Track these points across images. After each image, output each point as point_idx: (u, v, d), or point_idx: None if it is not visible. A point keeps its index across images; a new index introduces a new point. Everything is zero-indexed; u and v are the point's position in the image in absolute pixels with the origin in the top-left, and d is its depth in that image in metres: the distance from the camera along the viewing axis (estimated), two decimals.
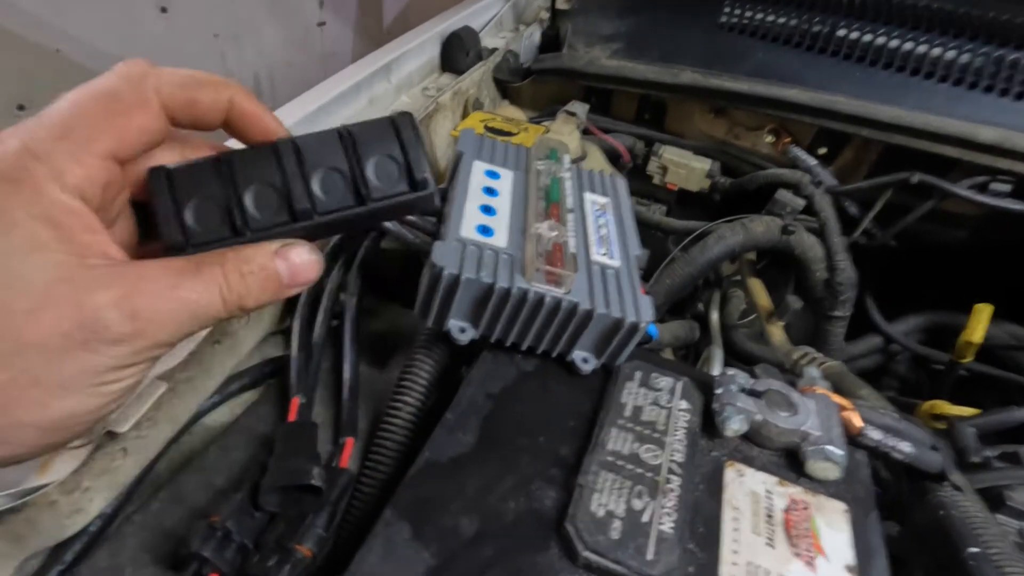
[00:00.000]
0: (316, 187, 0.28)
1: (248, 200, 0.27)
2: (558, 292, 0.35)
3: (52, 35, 1.09)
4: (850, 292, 0.67)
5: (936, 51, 0.64)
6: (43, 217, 0.22)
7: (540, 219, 0.39)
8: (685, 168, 0.76)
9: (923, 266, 0.78)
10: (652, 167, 0.78)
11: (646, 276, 0.71)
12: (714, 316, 0.79)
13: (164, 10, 1.27)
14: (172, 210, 0.26)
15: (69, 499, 0.31)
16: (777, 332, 0.70)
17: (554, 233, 0.38)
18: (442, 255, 0.34)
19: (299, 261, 0.27)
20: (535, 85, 0.81)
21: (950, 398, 0.76)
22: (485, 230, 0.38)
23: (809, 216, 0.70)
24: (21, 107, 1.08)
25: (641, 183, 0.81)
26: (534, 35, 0.92)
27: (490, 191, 0.42)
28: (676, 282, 0.67)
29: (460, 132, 0.46)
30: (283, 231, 0.27)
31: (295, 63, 1.74)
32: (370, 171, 0.29)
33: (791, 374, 0.64)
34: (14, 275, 0.21)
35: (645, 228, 0.79)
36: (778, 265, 0.83)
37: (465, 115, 0.75)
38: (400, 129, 0.30)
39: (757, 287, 0.75)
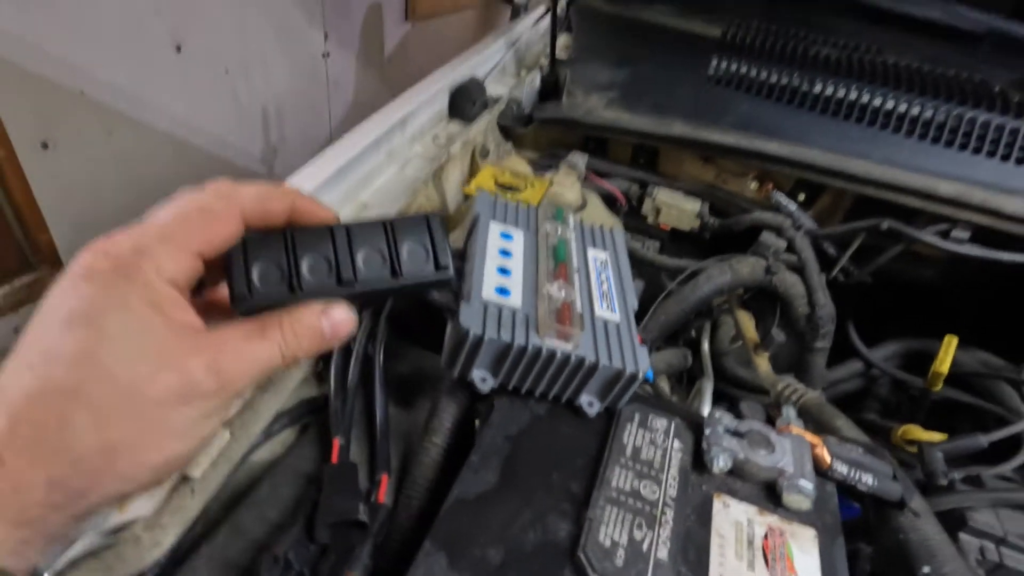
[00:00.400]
0: (360, 262, 0.34)
1: (304, 267, 0.33)
2: (567, 347, 0.41)
3: (76, 77, 1.15)
4: (829, 326, 0.73)
5: (902, 107, 0.71)
6: (150, 302, 0.28)
7: (550, 279, 0.45)
8: (677, 209, 0.82)
9: (897, 298, 0.85)
10: (646, 207, 0.84)
11: (641, 305, 0.76)
12: (705, 346, 0.85)
13: (179, 49, 1.33)
14: (243, 270, 0.32)
15: (150, 535, 0.36)
16: (763, 363, 0.75)
17: (562, 293, 0.44)
18: (468, 317, 0.40)
19: (339, 319, 0.33)
20: (537, 131, 0.87)
21: (926, 421, 0.82)
22: (503, 291, 0.43)
23: (791, 254, 0.76)
24: (45, 145, 1.13)
25: (636, 221, 0.87)
26: (535, 81, 0.98)
27: (505, 252, 0.47)
28: (670, 318, 0.73)
29: (476, 194, 0.52)
30: (329, 294, 0.33)
31: (301, 93, 1.81)
32: (405, 255, 0.35)
33: (775, 403, 0.70)
34: (134, 349, 0.27)
35: (640, 264, 0.85)
36: (764, 295, 0.90)
37: (472, 161, 0.81)
38: (431, 224, 0.36)
39: (745, 319, 0.81)
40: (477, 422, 0.48)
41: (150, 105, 1.31)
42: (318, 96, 1.90)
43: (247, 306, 0.32)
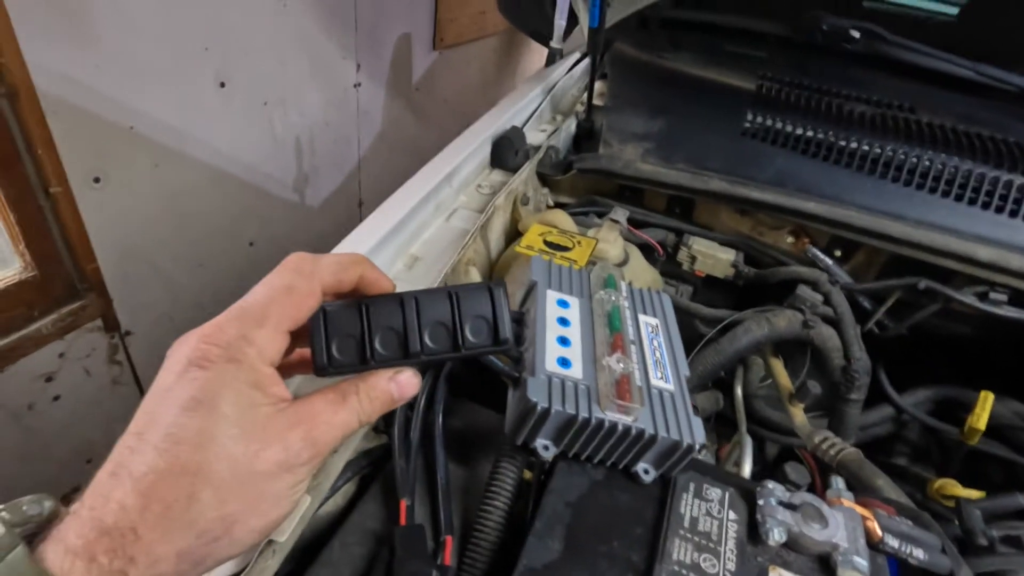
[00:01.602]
0: (427, 336, 0.37)
1: (377, 341, 0.36)
2: (627, 420, 0.43)
3: (126, 113, 1.20)
4: (864, 379, 0.74)
5: (938, 167, 0.73)
6: (255, 383, 0.31)
7: (608, 350, 0.47)
8: (712, 258, 0.84)
9: (931, 350, 0.86)
10: (682, 255, 0.86)
11: None
12: (739, 392, 0.86)
13: (223, 85, 1.39)
14: (323, 343, 0.35)
15: None
16: (798, 414, 0.77)
17: (621, 366, 0.46)
18: (535, 390, 0.42)
19: (405, 383, 0.37)
20: (574, 178, 0.90)
21: (960, 471, 0.83)
22: (564, 362, 0.46)
23: (826, 306, 0.78)
24: (97, 179, 1.18)
25: (671, 267, 0.89)
26: (571, 127, 1.02)
27: (563, 321, 0.50)
28: (707, 369, 0.75)
29: (532, 260, 0.55)
30: (397, 363, 0.37)
31: (333, 123, 1.86)
32: (467, 329, 0.38)
33: (812, 453, 0.71)
34: (246, 428, 0.30)
35: (677, 313, 0.86)
36: (796, 341, 0.91)
37: (514, 209, 0.83)
38: (494, 297, 0.39)
39: (779, 368, 0.82)
40: (527, 473, 0.50)
41: (193, 139, 1.37)
42: (348, 125, 1.96)
43: (325, 374, 0.35)
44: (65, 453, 1.31)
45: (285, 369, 0.39)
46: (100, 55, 1.11)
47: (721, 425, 0.97)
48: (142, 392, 1.41)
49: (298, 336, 0.37)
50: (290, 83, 1.62)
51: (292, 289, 0.34)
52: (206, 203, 1.47)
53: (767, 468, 0.83)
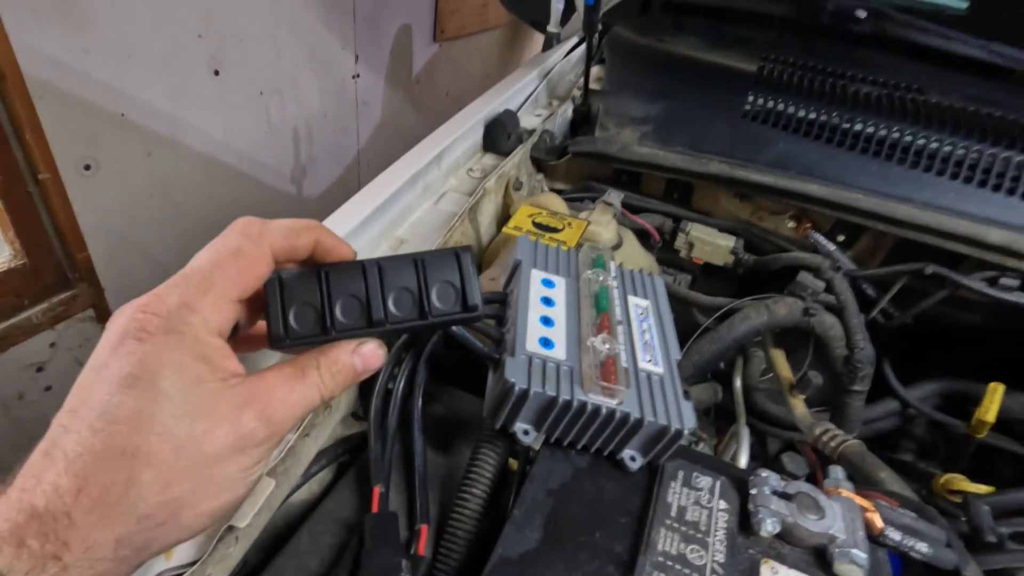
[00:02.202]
0: (391, 303, 0.35)
1: (338, 309, 0.34)
2: (612, 403, 0.41)
3: (117, 100, 1.18)
4: (868, 369, 0.71)
5: (947, 149, 0.70)
6: (200, 356, 0.29)
7: (593, 331, 0.45)
8: (711, 245, 0.81)
9: (938, 340, 0.82)
10: (679, 242, 0.83)
11: None
12: (737, 383, 0.83)
13: (217, 73, 1.37)
14: (280, 312, 0.33)
15: None
16: (799, 405, 0.74)
17: (606, 346, 0.43)
18: (513, 371, 0.40)
19: (369, 354, 0.35)
20: (569, 163, 0.87)
21: (967, 466, 0.80)
22: (546, 342, 0.43)
23: (828, 294, 0.75)
24: (87, 166, 1.17)
25: (669, 254, 0.86)
26: (567, 112, 0.99)
27: (547, 300, 0.47)
28: (704, 358, 0.72)
29: (517, 239, 0.52)
30: (360, 333, 0.34)
31: (331, 113, 1.84)
32: (434, 295, 0.36)
33: (812, 445, 0.68)
34: (191, 406, 0.28)
35: (673, 301, 0.84)
36: (796, 329, 0.88)
37: (506, 193, 0.81)
38: (461, 262, 0.37)
39: (780, 359, 0.79)
40: (512, 462, 0.48)
41: (187, 127, 1.35)
42: (347, 116, 1.94)
43: (283, 346, 0.33)
44: None
45: (246, 343, 0.37)
46: (91, 39, 1.10)
47: (720, 418, 0.94)
48: None
49: (255, 308, 0.34)
50: (287, 72, 1.60)
51: (239, 253, 0.31)
52: (200, 193, 1.45)
53: (768, 464, 0.80)
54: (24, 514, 0.24)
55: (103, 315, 1.30)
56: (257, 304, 0.33)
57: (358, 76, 1.92)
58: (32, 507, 0.24)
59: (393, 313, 0.34)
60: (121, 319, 0.28)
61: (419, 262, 0.36)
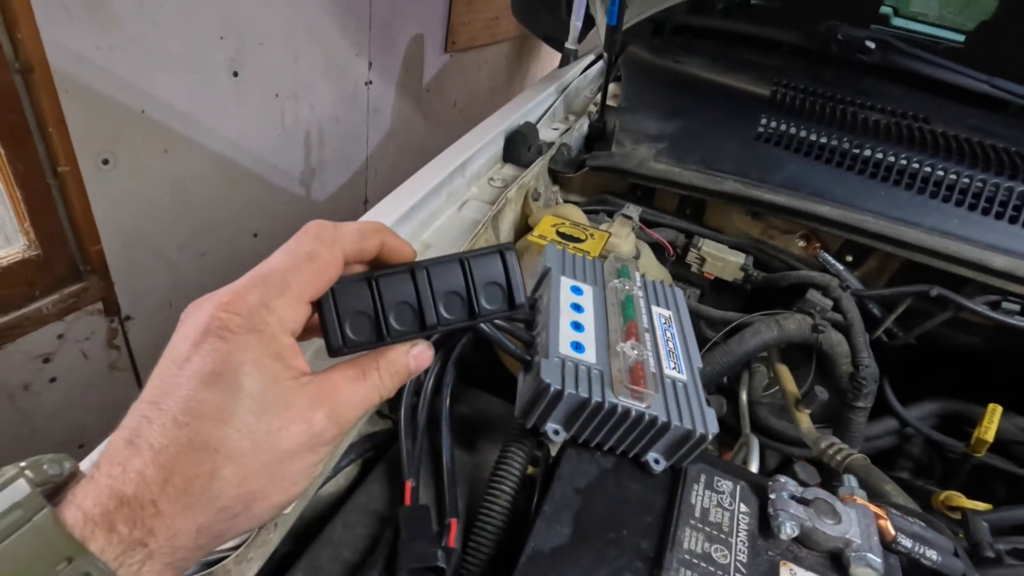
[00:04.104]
0: (441, 307, 0.36)
1: (392, 316, 0.35)
2: (640, 406, 0.42)
3: (138, 97, 1.20)
4: (872, 386, 0.74)
5: (952, 177, 0.73)
6: (276, 355, 0.30)
7: (621, 337, 0.47)
8: (722, 261, 0.84)
9: (939, 361, 0.85)
10: (691, 257, 0.86)
11: None
12: (743, 397, 0.86)
13: (236, 74, 1.39)
14: (336, 323, 0.34)
15: (239, 568, 0.38)
16: (804, 420, 0.76)
17: (635, 352, 0.45)
18: (548, 372, 0.42)
19: (421, 355, 0.37)
20: (585, 176, 0.90)
21: (963, 485, 0.82)
22: (578, 346, 0.45)
23: (836, 312, 0.77)
24: (105, 161, 1.18)
25: (680, 268, 0.89)
26: (583, 127, 1.02)
27: (577, 307, 0.49)
28: (714, 370, 0.74)
29: (546, 247, 0.54)
30: (413, 336, 0.36)
31: (342, 118, 1.87)
32: (482, 296, 0.37)
33: (818, 460, 0.70)
34: (268, 403, 0.29)
35: None
36: (799, 345, 0.91)
37: (525, 203, 0.83)
38: (506, 260, 0.38)
39: (785, 374, 0.81)
40: (532, 469, 0.50)
41: (204, 126, 1.36)
42: (358, 122, 1.96)
43: (341, 354, 0.34)
44: (58, 436, 1.30)
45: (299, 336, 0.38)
46: (116, 37, 1.12)
47: (723, 432, 0.96)
48: (139, 378, 1.39)
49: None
50: (303, 76, 1.62)
51: (313, 257, 0.32)
52: (213, 191, 1.46)
53: (791, 469, 0.82)
54: (114, 500, 0.25)
55: (111, 308, 1.30)
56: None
57: (370, 83, 1.94)
58: (121, 494, 0.25)
59: (444, 316, 0.36)
60: (202, 315, 0.29)
61: (466, 262, 0.37)
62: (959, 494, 0.73)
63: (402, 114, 2.18)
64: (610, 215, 0.86)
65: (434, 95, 2.36)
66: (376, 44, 1.90)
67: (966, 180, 0.72)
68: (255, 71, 1.44)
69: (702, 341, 0.79)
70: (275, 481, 0.29)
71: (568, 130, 0.98)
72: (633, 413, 0.42)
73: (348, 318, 0.34)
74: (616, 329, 0.48)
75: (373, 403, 0.34)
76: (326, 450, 0.31)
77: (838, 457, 0.67)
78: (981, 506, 0.69)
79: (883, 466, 0.92)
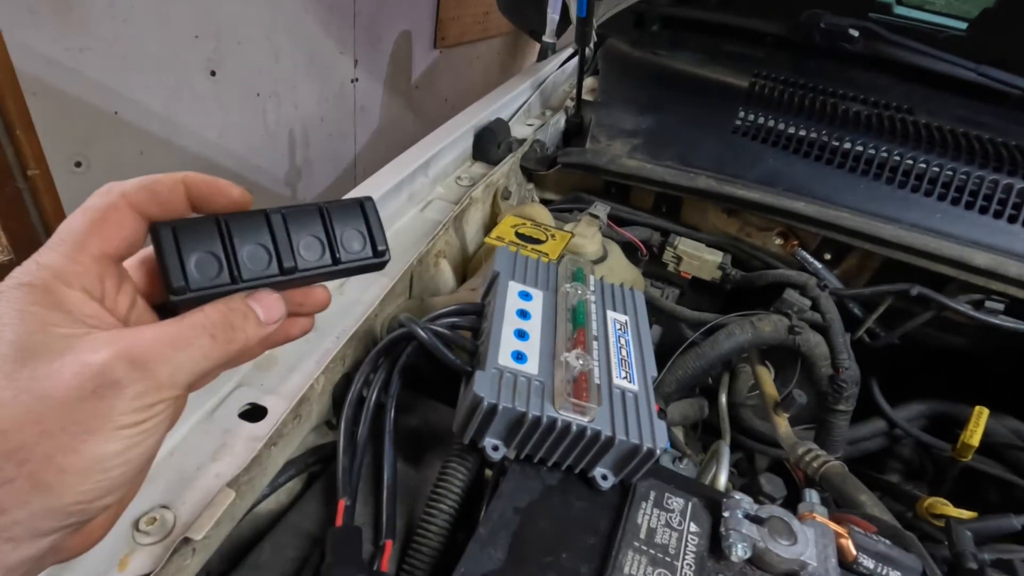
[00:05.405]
0: (301, 250, 0.33)
1: (244, 256, 0.32)
2: (583, 420, 0.40)
3: (111, 99, 1.18)
4: (853, 389, 0.71)
5: (935, 170, 0.69)
6: (52, 305, 0.27)
7: (568, 346, 0.44)
8: (698, 260, 0.81)
9: (924, 361, 0.82)
10: (667, 256, 0.83)
11: (658, 356, 0.75)
12: (723, 399, 0.83)
13: (213, 73, 1.37)
14: (177, 260, 0.30)
15: None
16: (783, 423, 0.73)
17: (580, 362, 0.42)
18: (482, 385, 0.39)
19: (268, 301, 0.33)
20: (559, 174, 0.87)
21: (952, 489, 0.79)
22: (519, 356, 0.43)
23: (815, 312, 0.74)
24: (78, 164, 1.16)
25: (657, 267, 0.86)
26: (559, 122, 0.99)
27: (523, 314, 0.47)
28: (688, 374, 0.71)
29: (497, 251, 0.52)
30: (270, 283, 0.33)
31: (328, 117, 1.84)
32: (342, 240, 0.35)
33: (795, 464, 0.67)
34: (34, 349, 0.26)
35: (660, 314, 0.83)
36: (783, 347, 0.88)
37: (494, 202, 0.80)
38: (366, 209, 0.36)
39: (765, 377, 0.78)
40: (488, 472, 0.47)
41: (182, 127, 1.35)
42: (345, 121, 1.94)
43: (185, 298, 0.30)
44: None
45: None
46: (85, 38, 1.10)
47: (707, 434, 0.93)
48: None
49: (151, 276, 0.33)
50: (285, 75, 1.60)
51: (90, 208, 0.30)
52: None
53: (752, 481, 0.80)
54: None
55: None
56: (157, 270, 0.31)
57: (357, 80, 1.92)
58: None
59: (304, 258, 0.33)
60: None
61: (325, 210, 0.35)
62: (944, 501, 0.70)
63: (391, 112, 2.16)
64: (583, 213, 0.83)
65: (424, 92, 2.34)
66: (361, 41, 1.87)
67: (949, 173, 0.69)
68: (234, 70, 1.42)
69: (681, 341, 0.77)
70: (57, 437, 0.26)
71: (543, 126, 0.95)
72: (574, 428, 0.40)
73: (193, 257, 0.30)
74: (563, 337, 0.45)
75: (202, 345, 0.30)
76: (124, 397, 0.27)
77: (814, 464, 0.64)
78: (966, 514, 0.66)
79: (873, 469, 0.89)
